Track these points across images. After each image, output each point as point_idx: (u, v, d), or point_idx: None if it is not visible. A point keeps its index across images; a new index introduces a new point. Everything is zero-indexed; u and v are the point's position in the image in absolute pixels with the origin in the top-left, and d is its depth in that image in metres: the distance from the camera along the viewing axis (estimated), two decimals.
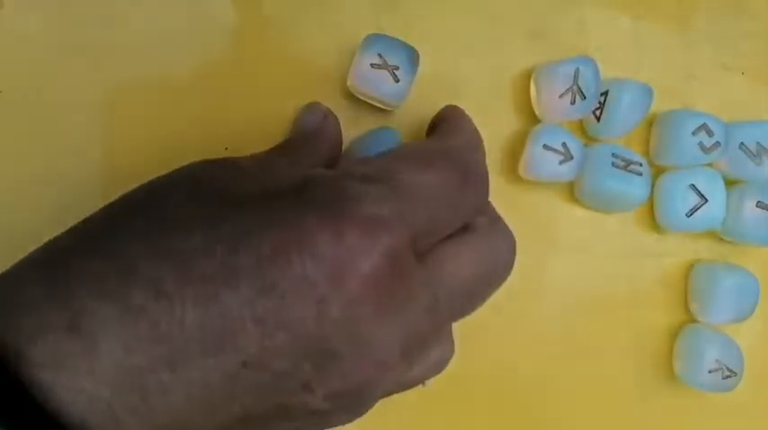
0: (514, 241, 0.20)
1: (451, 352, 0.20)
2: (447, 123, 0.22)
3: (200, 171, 0.17)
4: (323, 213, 0.15)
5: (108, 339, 0.13)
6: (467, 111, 0.22)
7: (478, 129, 0.25)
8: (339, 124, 0.23)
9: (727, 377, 0.25)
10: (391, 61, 0.22)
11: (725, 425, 0.27)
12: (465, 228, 0.19)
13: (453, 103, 0.25)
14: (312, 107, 0.23)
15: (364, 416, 0.17)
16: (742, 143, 0.25)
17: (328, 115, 0.23)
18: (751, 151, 0.25)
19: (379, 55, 0.22)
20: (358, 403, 0.16)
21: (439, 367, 0.19)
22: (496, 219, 0.20)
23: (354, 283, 0.15)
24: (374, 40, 0.23)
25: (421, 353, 0.18)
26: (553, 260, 0.26)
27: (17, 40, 0.23)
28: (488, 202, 0.20)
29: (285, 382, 0.15)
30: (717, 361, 0.25)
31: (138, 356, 0.13)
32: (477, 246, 0.18)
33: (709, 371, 0.25)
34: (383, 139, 0.24)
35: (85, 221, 0.16)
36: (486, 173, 0.20)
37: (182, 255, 0.14)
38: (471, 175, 0.18)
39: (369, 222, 0.15)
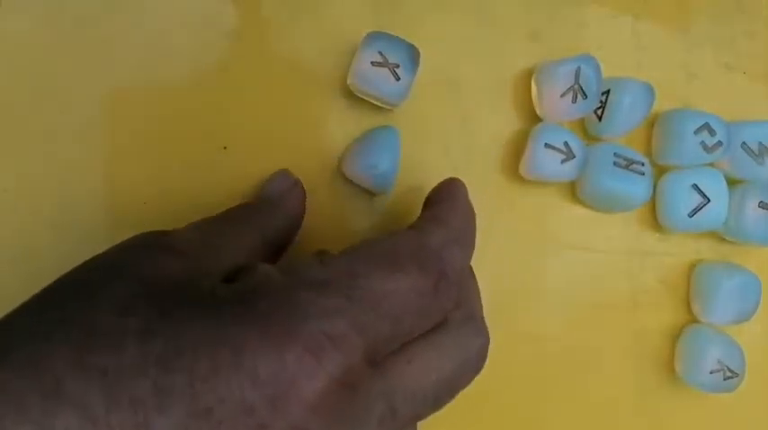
0: (487, 341, 0.19)
1: None
2: (438, 207, 0.19)
3: (133, 265, 0.16)
4: (265, 330, 0.14)
5: None
6: (466, 184, 0.21)
7: (478, 128, 0.25)
8: (304, 198, 0.22)
9: (729, 378, 0.25)
10: (392, 59, 0.22)
11: (726, 426, 0.27)
12: (438, 325, 0.18)
13: (452, 105, 0.25)
14: (280, 174, 0.22)
15: None
16: (744, 143, 0.25)
17: (296, 186, 0.22)
18: (753, 151, 0.25)
19: (380, 53, 0.22)
20: None
21: None
22: (471, 317, 0.19)
23: (297, 409, 0.13)
24: (375, 37, 0.22)
25: None
26: (554, 260, 0.26)
27: (15, 40, 0.22)
28: (470, 296, 0.19)
29: None
30: (718, 361, 0.25)
31: None
32: (444, 349, 0.17)
33: (711, 372, 0.25)
34: (383, 139, 0.23)
35: (12, 316, 0.15)
36: (466, 270, 0.18)
37: (110, 374, 0.13)
38: (446, 279, 0.17)
39: (316, 341, 0.14)
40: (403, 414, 0.16)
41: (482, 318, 0.20)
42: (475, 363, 0.19)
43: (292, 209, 0.22)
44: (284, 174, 0.23)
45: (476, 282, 0.21)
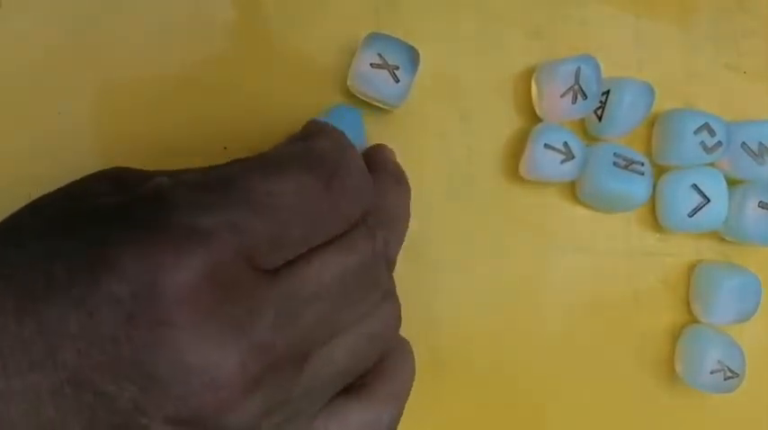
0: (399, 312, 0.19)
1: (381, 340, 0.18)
2: (313, 125, 0.19)
3: (73, 189, 0.17)
4: (133, 226, 0.14)
5: None
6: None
7: (477, 128, 0.25)
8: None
9: (729, 378, 0.25)
10: (391, 61, 0.22)
11: (726, 426, 0.27)
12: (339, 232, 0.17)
13: (452, 105, 0.25)
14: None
15: None
16: (744, 143, 0.25)
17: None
18: (753, 151, 0.25)
19: (379, 54, 0.22)
20: None
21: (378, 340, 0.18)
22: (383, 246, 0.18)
23: (161, 302, 0.13)
24: (374, 39, 0.22)
25: (286, 380, 0.16)
26: (554, 260, 0.26)
27: (14, 39, 0.22)
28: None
29: (114, 404, 0.14)
30: (718, 361, 0.25)
31: None
32: (349, 251, 0.17)
33: (711, 372, 0.25)
34: (343, 119, 0.23)
35: None
36: (363, 177, 0.17)
37: (11, 268, 0.14)
38: (338, 180, 0.16)
39: (180, 234, 0.14)
40: (307, 317, 0.16)
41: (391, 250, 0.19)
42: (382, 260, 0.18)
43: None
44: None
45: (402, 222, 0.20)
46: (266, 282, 0.15)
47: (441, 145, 0.25)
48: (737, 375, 0.25)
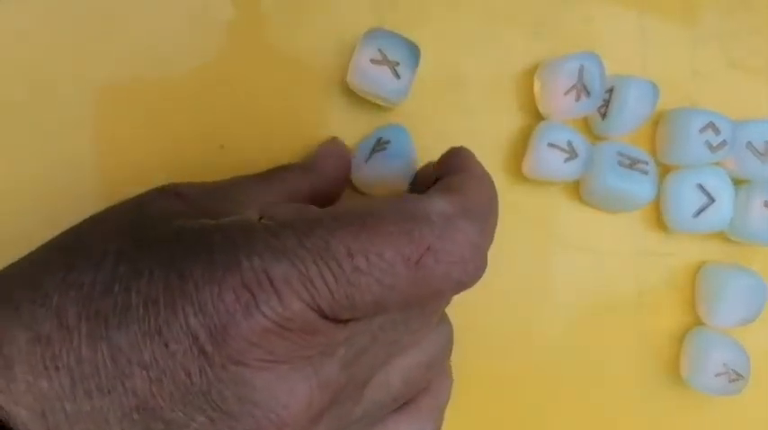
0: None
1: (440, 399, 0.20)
2: (451, 178, 0.17)
3: (136, 207, 0.17)
4: (210, 260, 0.14)
5: (21, 363, 0.14)
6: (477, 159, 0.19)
7: (480, 127, 0.25)
8: (348, 164, 0.22)
9: (734, 380, 0.24)
10: (392, 57, 0.22)
11: (731, 429, 0.27)
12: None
13: (454, 103, 0.25)
14: (329, 141, 0.22)
15: None
16: (749, 142, 0.25)
17: (340, 151, 0.22)
18: (758, 150, 0.25)
19: (380, 50, 0.22)
20: None
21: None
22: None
23: (234, 343, 0.14)
24: (374, 35, 0.22)
25: (347, 409, 0.16)
26: (558, 260, 0.25)
27: (14, 39, 0.22)
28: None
29: None
30: (723, 364, 0.24)
31: (45, 383, 0.14)
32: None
33: (716, 375, 0.24)
34: (392, 137, 0.23)
35: (24, 257, 0.17)
36: (472, 253, 0.16)
37: (85, 288, 0.14)
38: (435, 255, 0.15)
39: (254, 278, 0.14)
40: (372, 350, 0.16)
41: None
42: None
43: (331, 171, 0.21)
44: (333, 140, 0.22)
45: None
46: (335, 328, 0.15)
47: (443, 144, 0.25)
48: (742, 378, 0.24)
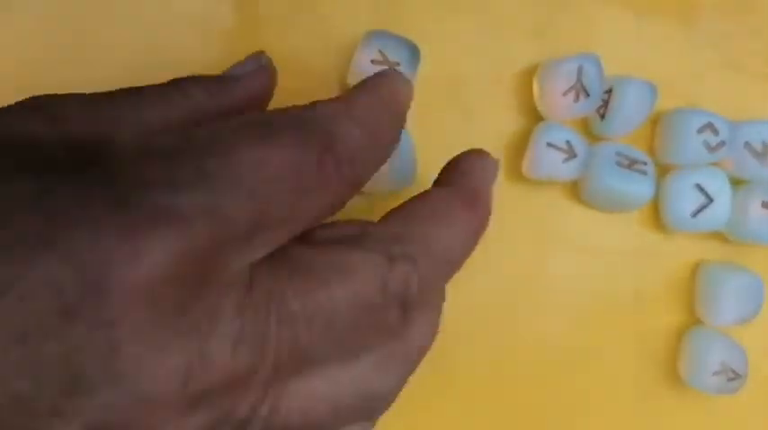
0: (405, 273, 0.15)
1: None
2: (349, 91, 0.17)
3: (5, 115, 0.14)
4: (90, 197, 0.12)
5: None
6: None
7: (479, 127, 0.25)
8: (273, 80, 0.19)
9: (732, 379, 0.24)
10: (392, 57, 0.22)
11: (729, 428, 0.27)
12: (352, 239, 0.15)
13: (454, 104, 0.25)
14: (250, 56, 0.19)
15: None
16: (747, 142, 0.25)
17: (265, 67, 0.18)
18: (756, 150, 0.25)
19: (380, 51, 0.22)
20: None
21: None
22: (409, 238, 0.15)
23: (111, 299, 0.11)
24: (374, 36, 0.22)
25: (237, 397, 0.13)
26: (556, 260, 0.25)
27: (13, 43, 0.22)
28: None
29: (31, 406, 0.11)
30: (721, 363, 0.24)
31: None
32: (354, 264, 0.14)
33: (714, 374, 0.24)
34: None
35: None
36: (372, 141, 0.15)
37: None
38: (333, 153, 0.14)
39: (148, 216, 0.11)
40: (275, 342, 0.13)
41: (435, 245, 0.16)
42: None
43: (252, 88, 0.18)
44: (254, 55, 0.19)
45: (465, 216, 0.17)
46: (234, 288, 0.13)
47: (442, 144, 0.25)
48: (740, 376, 0.24)
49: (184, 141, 0.13)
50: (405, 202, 0.17)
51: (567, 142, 0.23)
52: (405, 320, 0.15)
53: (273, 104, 0.23)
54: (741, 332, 0.26)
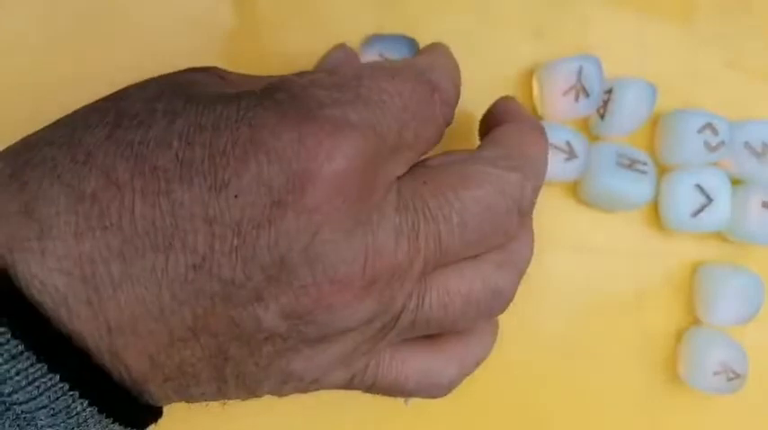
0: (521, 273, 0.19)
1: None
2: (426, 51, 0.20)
3: (178, 76, 0.17)
4: (284, 113, 0.14)
5: (59, 225, 0.13)
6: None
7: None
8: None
9: (732, 379, 0.24)
10: (395, 57, 0.22)
11: (729, 428, 0.27)
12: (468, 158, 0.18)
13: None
14: (340, 47, 0.22)
15: (363, 412, 0.17)
16: (747, 142, 0.25)
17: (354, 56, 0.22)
18: (756, 150, 0.25)
19: (381, 55, 0.22)
20: (317, 335, 0.15)
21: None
22: (514, 156, 0.18)
23: (314, 189, 0.13)
24: (373, 41, 0.22)
25: (396, 289, 0.15)
26: (556, 259, 0.25)
27: (13, 40, 0.22)
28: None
29: (236, 292, 0.14)
30: (721, 363, 0.24)
31: (88, 244, 0.13)
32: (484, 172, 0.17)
33: (714, 374, 0.24)
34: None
35: (58, 120, 0.16)
36: (455, 92, 0.18)
37: (136, 146, 0.14)
38: (440, 91, 0.17)
39: (334, 124, 0.14)
40: (424, 237, 0.16)
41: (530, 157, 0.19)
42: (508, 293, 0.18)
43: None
44: (343, 47, 0.22)
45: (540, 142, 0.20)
46: (391, 191, 0.15)
47: (442, 145, 0.25)
48: (740, 376, 0.24)
49: (338, 77, 0.16)
50: (492, 133, 0.20)
51: (568, 142, 0.23)
52: (521, 225, 0.18)
53: None
54: (741, 332, 0.26)
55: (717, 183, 0.25)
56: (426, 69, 0.17)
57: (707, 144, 0.24)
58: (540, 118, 0.25)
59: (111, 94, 0.16)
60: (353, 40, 0.24)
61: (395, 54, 0.22)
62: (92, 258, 0.13)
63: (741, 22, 0.27)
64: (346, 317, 0.15)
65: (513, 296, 0.19)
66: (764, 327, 0.27)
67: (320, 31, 0.24)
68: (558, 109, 0.24)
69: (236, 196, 0.13)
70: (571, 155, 0.23)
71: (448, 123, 0.18)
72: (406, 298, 0.16)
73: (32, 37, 0.22)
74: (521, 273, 0.19)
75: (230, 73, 0.18)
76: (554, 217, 0.25)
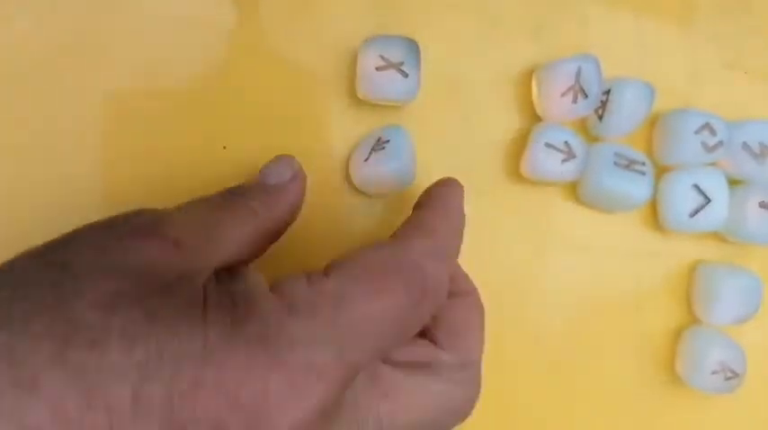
0: (479, 392, 0.20)
1: None
2: (426, 213, 0.19)
3: (120, 252, 0.15)
4: (252, 354, 0.14)
5: None
6: (460, 183, 0.21)
7: (478, 128, 0.25)
8: (305, 188, 0.21)
9: (730, 378, 0.24)
10: (394, 58, 0.22)
11: (727, 427, 0.27)
12: (427, 366, 0.18)
13: (453, 105, 0.25)
14: (282, 160, 0.21)
15: None
16: (744, 142, 0.25)
17: (298, 175, 0.20)
18: (753, 150, 0.25)
19: (381, 56, 0.22)
20: None
21: None
22: (465, 364, 0.19)
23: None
24: (372, 43, 0.22)
25: None
26: (555, 259, 0.26)
27: (16, 49, 0.22)
28: (468, 336, 0.20)
29: None
30: (719, 362, 0.25)
31: None
32: (429, 395, 0.18)
33: (712, 373, 0.24)
34: (390, 137, 0.23)
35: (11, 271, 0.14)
36: (446, 283, 0.18)
37: (90, 374, 0.12)
38: (427, 294, 0.17)
39: (300, 371, 0.14)
40: None
41: (478, 362, 0.20)
42: (461, 413, 0.19)
43: (293, 199, 0.20)
44: (286, 160, 0.21)
45: (481, 318, 0.21)
46: (358, 401, 0.17)
47: (441, 145, 0.25)
48: (738, 376, 0.25)
49: (319, 297, 0.16)
50: (461, 322, 0.20)
51: (566, 143, 0.23)
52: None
53: (274, 104, 0.24)
54: (739, 331, 0.26)
55: (715, 184, 0.25)
56: (423, 255, 0.17)
57: (705, 144, 0.24)
58: (540, 118, 0.25)
59: (47, 259, 0.15)
60: (353, 40, 0.24)
61: (395, 56, 0.22)
62: None
63: (740, 23, 0.27)
64: None
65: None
66: (762, 327, 0.27)
67: (320, 32, 0.24)
68: (557, 110, 0.24)
69: None
70: (569, 155, 0.23)
71: (429, 315, 0.18)
72: None
73: (32, 37, 0.22)
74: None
75: (183, 226, 0.16)
76: (552, 217, 0.26)
